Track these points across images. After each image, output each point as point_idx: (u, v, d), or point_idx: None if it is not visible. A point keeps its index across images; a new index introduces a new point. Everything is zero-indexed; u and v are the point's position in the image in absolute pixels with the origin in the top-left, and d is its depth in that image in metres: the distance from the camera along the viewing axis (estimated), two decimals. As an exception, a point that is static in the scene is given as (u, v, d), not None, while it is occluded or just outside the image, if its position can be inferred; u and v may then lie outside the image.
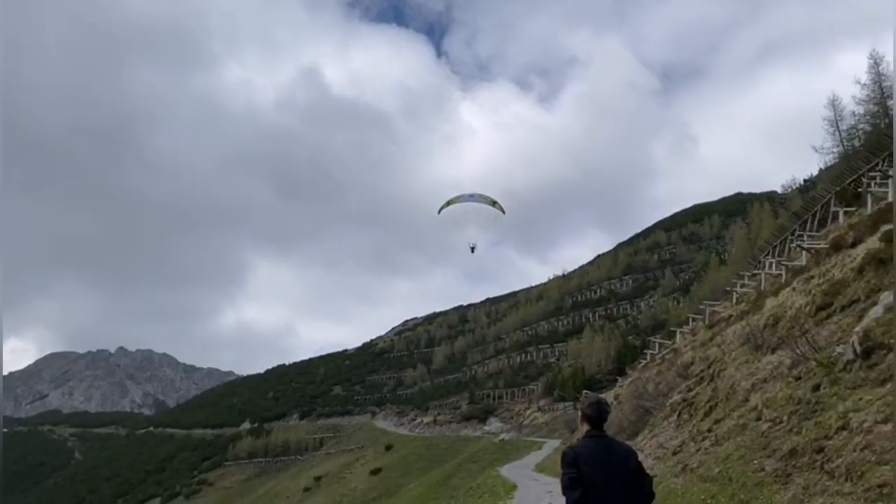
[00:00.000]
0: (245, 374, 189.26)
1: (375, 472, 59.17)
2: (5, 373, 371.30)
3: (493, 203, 28.18)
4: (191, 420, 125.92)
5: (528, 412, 64.31)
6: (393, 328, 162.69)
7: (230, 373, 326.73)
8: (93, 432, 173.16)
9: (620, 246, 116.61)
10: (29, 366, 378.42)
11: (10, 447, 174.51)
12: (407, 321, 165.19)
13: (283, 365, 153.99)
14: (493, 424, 66.51)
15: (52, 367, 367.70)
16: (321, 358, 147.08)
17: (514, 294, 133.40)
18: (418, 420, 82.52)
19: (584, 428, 4.71)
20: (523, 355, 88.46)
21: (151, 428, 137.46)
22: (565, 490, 4.39)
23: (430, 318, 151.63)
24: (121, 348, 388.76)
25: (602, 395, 5.16)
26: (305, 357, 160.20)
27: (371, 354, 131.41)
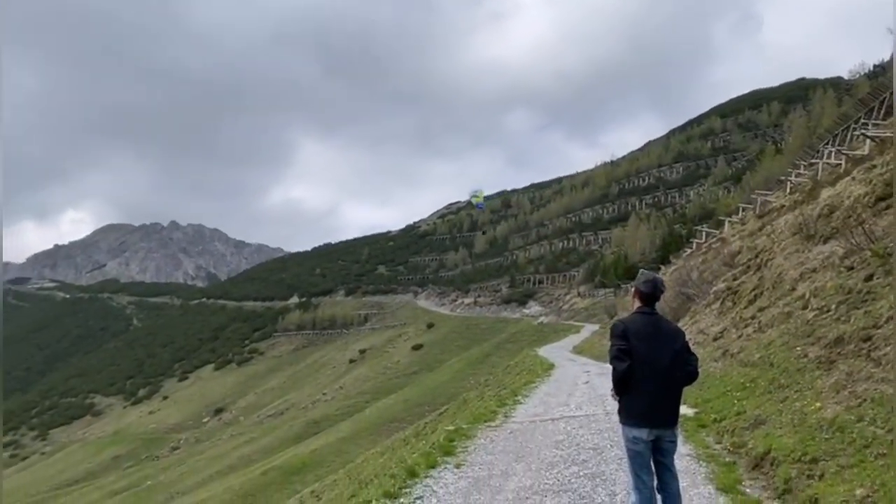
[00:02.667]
0: (293, 250, 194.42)
1: (417, 347, 61.33)
2: (65, 241, 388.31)
3: (475, 196, 30.94)
4: (242, 293, 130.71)
5: (568, 297, 65.07)
6: (436, 211, 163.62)
7: (279, 249, 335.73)
8: (149, 301, 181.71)
9: (673, 132, 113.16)
10: (87, 236, 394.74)
11: (72, 312, 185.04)
12: (450, 205, 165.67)
13: (329, 244, 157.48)
14: (533, 308, 67.64)
15: (108, 238, 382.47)
16: (365, 238, 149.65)
17: (558, 180, 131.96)
18: (459, 301, 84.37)
19: (636, 304, 4.71)
20: (566, 242, 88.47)
21: (204, 299, 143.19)
22: (613, 360, 4.44)
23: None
24: (173, 222, 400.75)
25: (658, 275, 5.14)
26: (350, 237, 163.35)
27: (414, 236, 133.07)
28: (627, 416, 4.51)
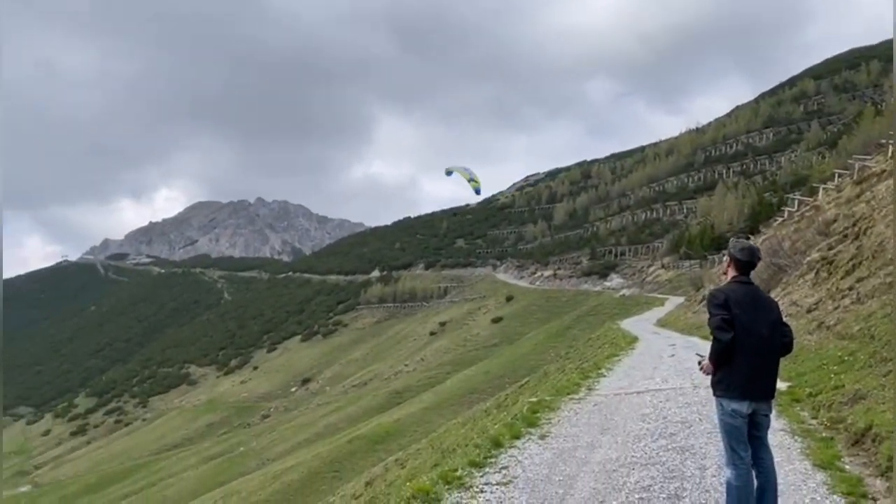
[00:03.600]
0: (373, 225, 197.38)
1: (496, 320, 61.46)
2: (159, 219, 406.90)
3: (470, 180, 29.31)
4: (325, 267, 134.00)
5: (651, 269, 63.65)
6: (514, 184, 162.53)
7: (360, 224, 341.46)
8: (238, 275, 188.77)
9: (762, 96, 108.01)
10: (179, 213, 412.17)
11: (167, 286, 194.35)
12: (528, 177, 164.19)
13: (409, 218, 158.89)
14: (614, 280, 66.51)
15: (199, 215, 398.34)
16: (444, 212, 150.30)
17: (641, 149, 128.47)
18: (538, 274, 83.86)
19: (731, 273, 4.57)
20: (648, 212, 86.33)
21: (290, 273, 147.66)
22: (716, 331, 4.31)
23: (552, 175, 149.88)
24: (259, 199, 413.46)
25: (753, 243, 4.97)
26: (429, 210, 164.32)
27: (492, 210, 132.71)
28: (726, 388, 4.38)
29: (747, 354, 4.27)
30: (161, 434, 72.55)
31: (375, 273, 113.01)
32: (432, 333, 70.73)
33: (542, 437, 7.73)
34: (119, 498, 48.22)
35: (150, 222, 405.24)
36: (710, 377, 4.53)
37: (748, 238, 6.85)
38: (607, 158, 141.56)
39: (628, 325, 29.85)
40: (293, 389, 73.33)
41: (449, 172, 29.55)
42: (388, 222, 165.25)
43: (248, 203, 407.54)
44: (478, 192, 29.28)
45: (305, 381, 74.04)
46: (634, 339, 21.13)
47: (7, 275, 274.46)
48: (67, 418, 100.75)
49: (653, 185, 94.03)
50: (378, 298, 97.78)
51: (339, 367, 74.83)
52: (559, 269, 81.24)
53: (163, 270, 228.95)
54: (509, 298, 70.59)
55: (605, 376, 12.88)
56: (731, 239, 4.87)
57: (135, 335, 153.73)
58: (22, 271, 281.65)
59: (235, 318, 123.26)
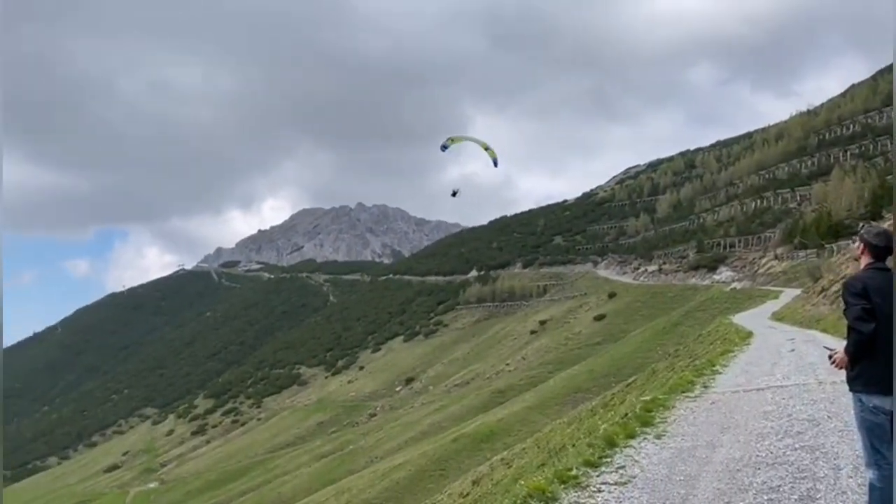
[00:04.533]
0: (470, 225, 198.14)
1: (599, 318, 60.29)
2: (267, 226, 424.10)
3: (486, 148, 26.65)
4: (424, 268, 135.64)
5: (764, 261, 60.68)
6: (613, 177, 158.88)
7: (456, 224, 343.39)
8: (342, 279, 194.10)
9: (881, 73, 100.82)
10: (285, 221, 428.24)
11: (276, 290, 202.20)
12: (628, 169, 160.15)
13: (505, 216, 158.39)
14: (724, 273, 63.88)
15: (304, 222, 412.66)
16: (541, 209, 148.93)
17: (748, 135, 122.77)
18: (642, 269, 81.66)
19: (865, 260, 4.23)
20: (758, 201, 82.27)
21: (391, 275, 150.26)
22: (856, 321, 3.98)
23: (654, 166, 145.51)
24: (359, 204, 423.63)
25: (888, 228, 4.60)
26: (525, 208, 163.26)
27: (591, 205, 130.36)
28: (866, 383, 4.04)
29: (889, 346, 3.94)
30: (275, 433, 75.56)
31: (473, 273, 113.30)
32: (533, 332, 70.21)
33: (659, 436, 7.46)
34: (238, 494, 50.61)
35: (259, 230, 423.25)
36: (843, 372, 4.21)
37: (871, 224, 6.35)
38: (712, 146, 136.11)
39: (741, 319, 28.56)
40: (398, 389, 74.63)
41: (443, 149, 27.88)
42: (485, 222, 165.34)
43: (349, 208, 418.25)
44: (495, 163, 27.66)
45: (409, 381, 75.17)
46: (749, 334, 20.17)
47: (131, 284, 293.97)
48: (188, 418, 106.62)
49: (762, 173, 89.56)
50: (477, 298, 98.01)
51: (442, 366, 75.52)
52: (664, 263, 78.82)
53: (272, 276, 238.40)
54: (612, 295, 69.10)
55: (720, 373, 12.34)
56: (864, 225, 4.51)
57: (248, 338, 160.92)
58: (144, 280, 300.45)
59: (341, 320, 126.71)
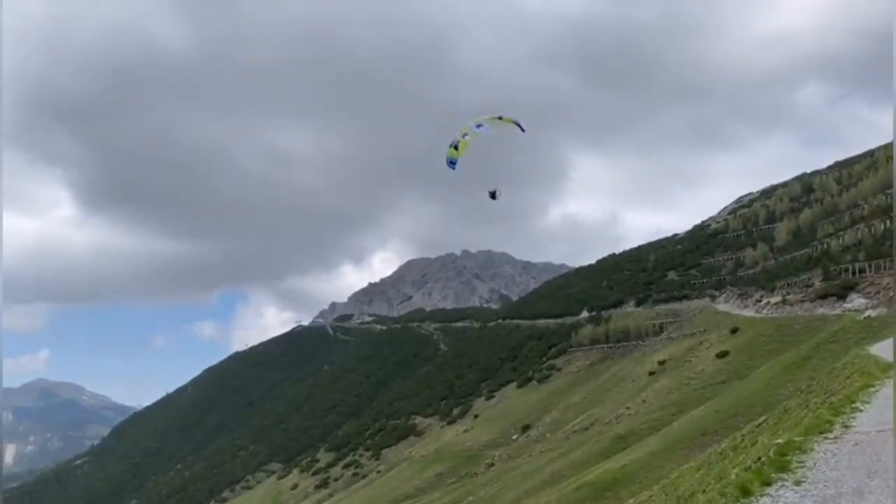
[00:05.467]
0: (577, 265, 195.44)
1: (722, 355, 57.48)
2: (377, 279, 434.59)
3: (500, 118, 23.55)
4: (533, 311, 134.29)
5: (900, 285, 56.22)
6: (725, 207, 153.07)
7: (563, 265, 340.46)
8: (451, 326, 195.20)
9: None
10: (394, 272, 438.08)
11: (388, 341, 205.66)
12: (740, 198, 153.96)
13: (613, 254, 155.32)
14: (855, 301, 59.56)
15: (412, 272, 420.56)
16: (651, 244, 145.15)
17: (869, 153, 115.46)
18: (764, 301, 77.41)
19: None
20: (887, 222, 76.83)
21: (500, 320, 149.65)
22: None
23: (768, 192, 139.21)
24: (465, 251, 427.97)
25: None
26: (634, 245, 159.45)
27: (703, 237, 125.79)
28: None
29: None
30: (394, 485, 75.94)
31: (584, 314, 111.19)
32: (651, 373, 67.74)
33: (798, 482, 6.95)
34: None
35: (370, 283, 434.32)
36: None
37: None
38: (830, 168, 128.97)
39: (880, 349, 26.46)
40: (514, 437, 73.53)
41: (452, 165, 24.54)
42: (592, 261, 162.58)
43: (455, 256, 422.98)
44: (521, 127, 25.15)
45: (525, 428, 73.95)
46: (889, 366, 18.64)
47: (253, 342, 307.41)
48: (311, 472, 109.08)
49: (888, 192, 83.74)
50: (590, 340, 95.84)
51: (558, 412, 73.93)
52: (788, 293, 74.45)
53: (384, 327, 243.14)
54: (734, 330, 65.85)
55: (860, 410, 11.43)
56: None
57: (364, 390, 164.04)
58: (265, 338, 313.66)
59: (453, 368, 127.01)
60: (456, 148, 23.68)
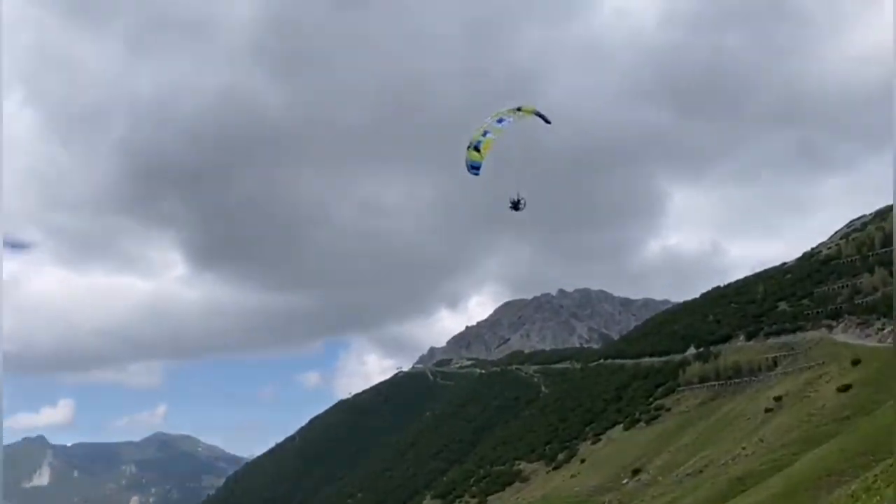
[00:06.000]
0: (680, 300, 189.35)
1: (844, 388, 54.16)
2: (473, 322, 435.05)
3: (518, 109, 21.21)
4: (636, 350, 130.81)
5: None
6: (836, 232, 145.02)
7: (665, 301, 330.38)
8: (552, 368, 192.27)
9: None
10: (490, 315, 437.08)
11: (488, 385, 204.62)
12: (852, 221, 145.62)
13: (718, 287, 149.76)
14: None
15: (508, 315, 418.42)
16: (758, 275, 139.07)
17: None
18: (887, 329, 72.60)
19: None
20: None
21: (602, 360, 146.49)
22: None
23: (882, 214, 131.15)
24: (560, 290, 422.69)
25: None
26: (739, 276, 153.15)
27: (815, 264, 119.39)
28: None
29: None
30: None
31: (691, 350, 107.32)
32: (768, 410, 64.45)
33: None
34: None
35: (466, 327, 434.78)
36: None
37: None
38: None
39: None
40: (625, 481, 71.19)
41: (475, 170, 21.46)
42: (696, 295, 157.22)
43: (551, 296, 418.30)
44: (545, 118, 23.13)
45: (636, 472, 71.51)
46: None
47: (356, 390, 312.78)
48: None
49: None
50: (699, 377, 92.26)
51: (669, 454, 71.19)
52: (913, 320, 69.58)
53: (483, 371, 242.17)
54: (855, 362, 61.97)
55: None
56: None
57: (466, 436, 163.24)
58: (367, 385, 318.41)
59: (556, 411, 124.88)
60: (477, 150, 21.51)
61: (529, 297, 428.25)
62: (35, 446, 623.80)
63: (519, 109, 21.51)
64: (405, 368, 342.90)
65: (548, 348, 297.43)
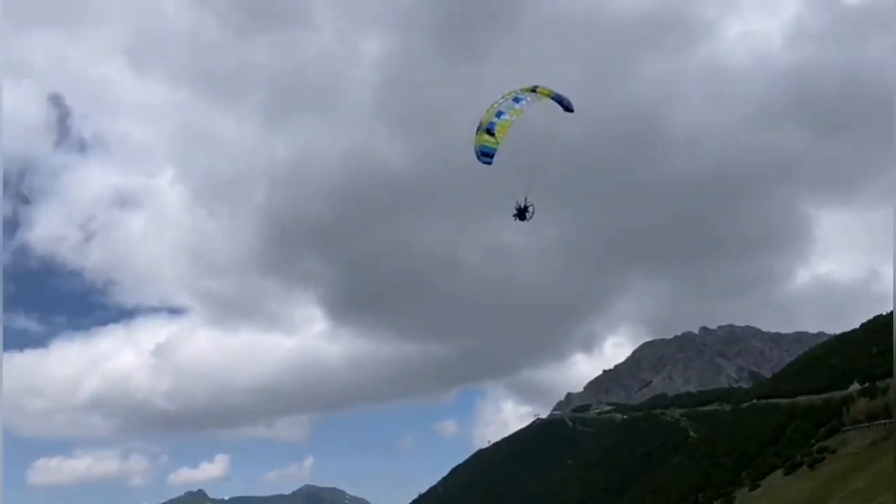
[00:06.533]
0: (836, 332, 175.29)
1: None
2: (610, 366, 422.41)
3: (533, 90, 17.56)
4: (792, 388, 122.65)
5: None
6: None
7: (820, 333, 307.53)
8: (699, 410, 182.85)
9: None
10: (628, 357, 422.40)
11: (631, 431, 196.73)
12: None
13: (880, 316, 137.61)
14: None
15: (648, 356, 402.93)
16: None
17: None
18: None
19: None
20: None
21: (754, 400, 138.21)
22: None
23: None
24: (703, 328, 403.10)
25: None
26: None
27: None
28: None
29: None
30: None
31: (855, 386, 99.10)
32: (954, 450, 57.52)
33: None
34: None
35: (604, 370, 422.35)
36: None
37: None
38: None
39: None
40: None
41: (488, 158, 18.51)
42: (854, 325, 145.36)
43: (693, 334, 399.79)
44: (564, 105, 19.76)
45: (802, 521, 65.78)
46: None
47: (494, 438, 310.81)
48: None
49: None
50: (866, 415, 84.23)
51: (839, 501, 64.94)
52: None
53: (625, 416, 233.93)
54: None
55: None
56: None
57: (612, 485, 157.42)
58: (505, 433, 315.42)
59: (707, 457, 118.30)
60: (490, 133, 18.30)
61: (669, 336, 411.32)
62: (196, 500, 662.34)
63: (534, 90, 18.98)
64: (543, 415, 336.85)
65: (693, 390, 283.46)
